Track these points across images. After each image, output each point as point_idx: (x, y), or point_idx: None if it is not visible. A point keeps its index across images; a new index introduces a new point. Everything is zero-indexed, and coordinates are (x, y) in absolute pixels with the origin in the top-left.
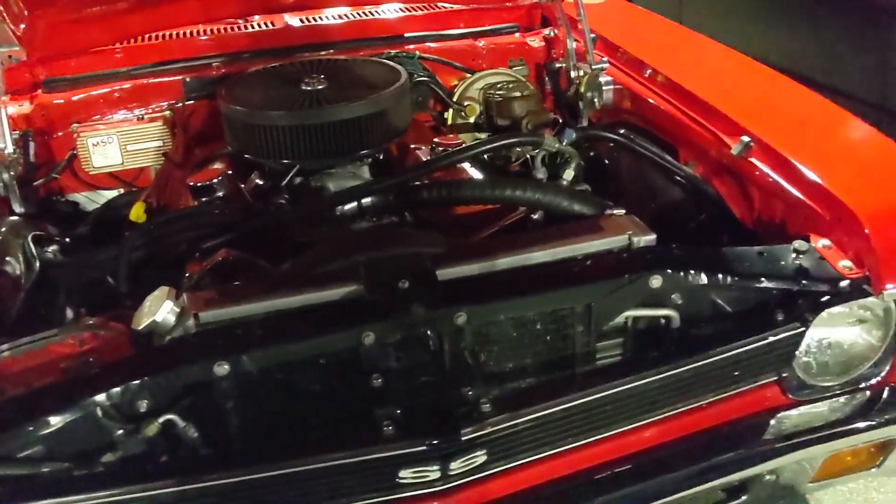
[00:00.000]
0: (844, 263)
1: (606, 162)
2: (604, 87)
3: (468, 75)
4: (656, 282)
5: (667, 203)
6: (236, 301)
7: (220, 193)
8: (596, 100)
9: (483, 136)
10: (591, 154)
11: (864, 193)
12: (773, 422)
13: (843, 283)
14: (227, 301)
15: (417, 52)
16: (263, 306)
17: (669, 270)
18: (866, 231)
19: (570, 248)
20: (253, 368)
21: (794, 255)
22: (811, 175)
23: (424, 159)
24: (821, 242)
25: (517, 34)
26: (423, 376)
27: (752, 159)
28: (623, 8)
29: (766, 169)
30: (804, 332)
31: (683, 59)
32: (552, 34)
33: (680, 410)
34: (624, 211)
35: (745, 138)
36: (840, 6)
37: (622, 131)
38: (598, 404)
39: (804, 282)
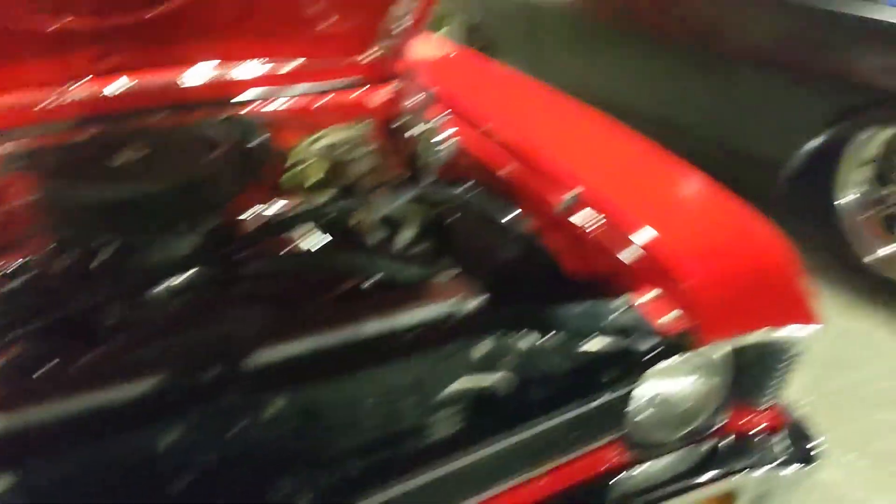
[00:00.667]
0: (668, 317)
1: (445, 220)
2: (444, 144)
3: (310, 135)
4: (485, 347)
5: (502, 261)
6: (18, 405)
7: (25, 277)
8: (436, 156)
9: (324, 197)
10: (433, 212)
11: (689, 245)
12: (615, 483)
13: (667, 338)
14: (9, 404)
15: (255, 113)
16: (50, 410)
17: (498, 334)
18: (688, 285)
19: (398, 318)
20: (37, 481)
21: (618, 311)
22: (636, 228)
23: (254, 226)
24: (647, 296)
25: (364, 89)
26: (236, 473)
27: (580, 214)
28: (469, 60)
29: (592, 224)
30: (631, 390)
31: (522, 112)
32: (400, 88)
33: (519, 480)
34: (457, 272)
35: (572, 193)
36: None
37: (461, 188)
38: (432, 483)
39: (629, 339)
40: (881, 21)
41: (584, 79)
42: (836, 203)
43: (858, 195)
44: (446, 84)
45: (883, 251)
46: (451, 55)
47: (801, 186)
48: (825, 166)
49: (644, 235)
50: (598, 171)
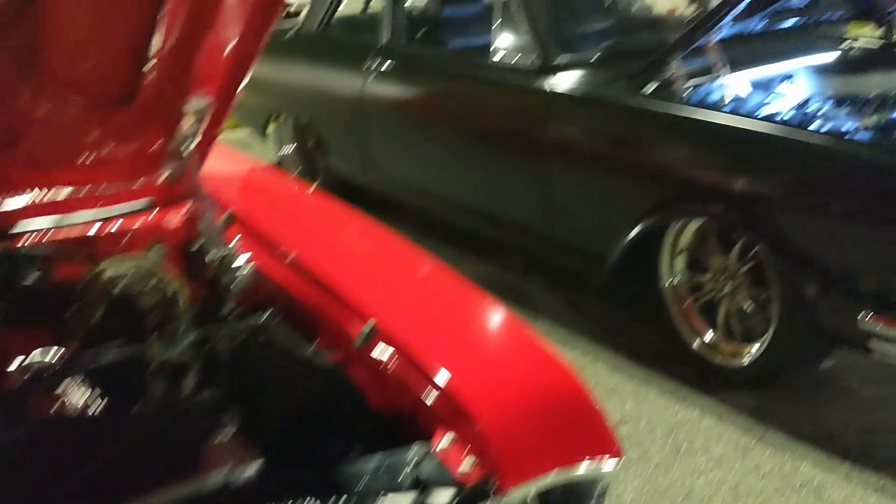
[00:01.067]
0: (466, 464)
1: (240, 358)
2: (240, 271)
3: (93, 267)
4: None
5: (301, 398)
6: None
7: None
8: (233, 283)
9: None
10: (226, 349)
11: (483, 383)
12: None
13: (467, 489)
14: None
15: (32, 245)
16: None
17: None
18: (483, 426)
19: (162, 495)
20: None
21: (415, 461)
22: (431, 366)
23: (15, 380)
24: (446, 439)
25: (154, 212)
26: None
27: (376, 349)
28: (267, 177)
29: (388, 359)
30: None
31: (320, 234)
32: (194, 209)
33: None
34: (242, 426)
35: (368, 326)
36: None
37: (258, 319)
38: None
39: (428, 494)
40: (683, 118)
41: (411, 175)
42: (659, 291)
43: (678, 283)
44: (244, 204)
45: (707, 337)
46: (249, 172)
47: (627, 276)
48: (646, 257)
49: (439, 373)
50: (393, 301)
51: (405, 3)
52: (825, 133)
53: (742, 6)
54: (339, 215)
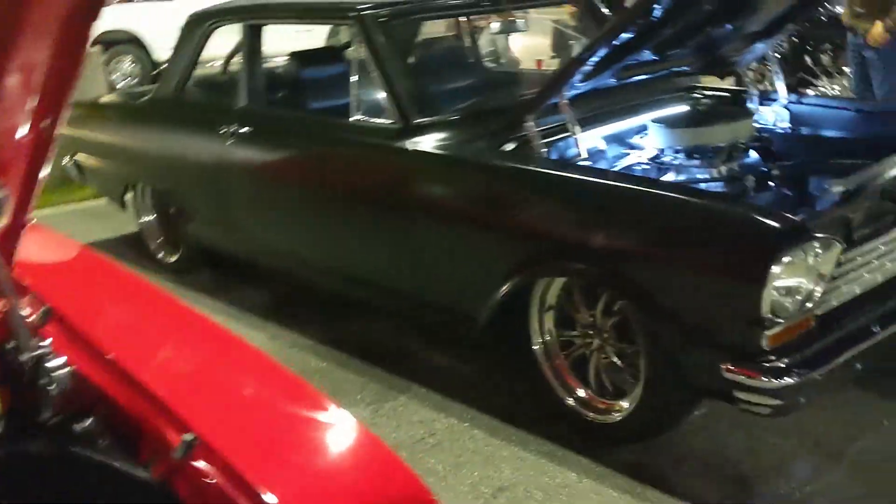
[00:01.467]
0: None
1: (54, 470)
2: (56, 373)
3: None
4: None
5: None
6: None
7: None
8: (50, 388)
9: None
10: (38, 464)
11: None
12: None
13: None
14: None
15: None
16: None
17: None
18: None
19: None
20: None
21: None
22: (258, 483)
23: None
24: None
25: None
26: None
27: (199, 461)
28: (90, 265)
29: (211, 473)
30: None
31: (145, 331)
32: (6, 304)
33: None
34: None
35: (188, 436)
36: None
37: (75, 429)
38: None
39: None
40: (538, 175)
41: (275, 240)
42: (531, 349)
43: (548, 341)
44: (64, 296)
45: (580, 393)
46: (73, 260)
47: (499, 335)
48: (516, 315)
49: (267, 494)
50: (218, 408)
51: (262, 64)
52: (676, 186)
53: (589, 65)
54: (166, 308)
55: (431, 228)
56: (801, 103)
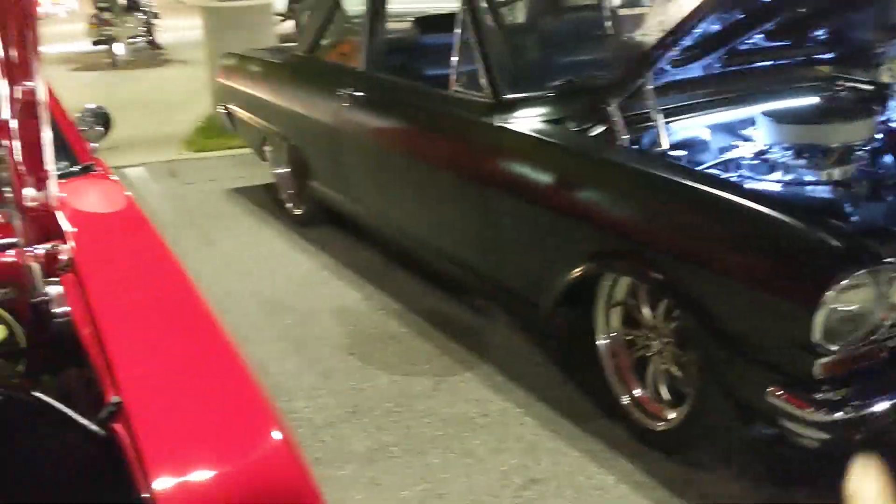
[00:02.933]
0: None
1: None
2: (57, 320)
3: None
4: None
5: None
6: None
7: None
8: (47, 330)
9: None
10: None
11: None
12: None
13: None
14: None
15: None
16: None
17: None
18: None
19: None
20: None
21: None
22: (158, 468)
23: None
24: None
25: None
26: None
27: (118, 426)
28: (128, 222)
29: (125, 439)
30: None
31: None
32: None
33: None
34: None
35: (114, 399)
36: None
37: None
38: None
39: None
40: (615, 166)
41: (376, 203)
42: (596, 344)
43: (613, 337)
44: (90, 248)
45: (636, 394)
46: (116, 213)
47: (565, 326)
48: (583, 307)
49: (160, 482)
50: (154, 377)
51: (384, 28)
52: (745, 191)
53: (683, 49)
54: (160, 275)
55: (507, 207)
56: None
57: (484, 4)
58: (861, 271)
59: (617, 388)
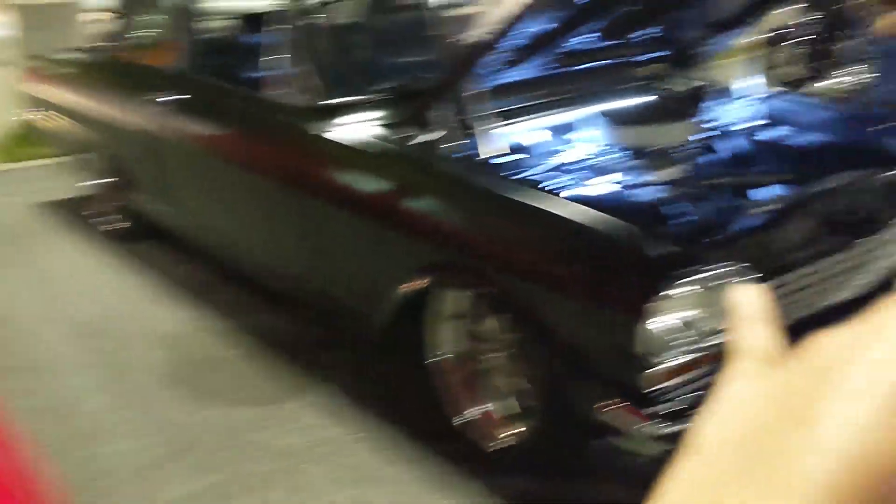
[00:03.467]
0: None
1: None
2: None
3: None
4: None
5: None
6: None
7: None
8: None
9: None
10: None
11: None
12: None
13: None
14: None
15: None
16: None
17: None
18: None
19: None
20: None
21: None
22: None
23: None
24: None
25: None
26: None
27: None
28: None
29: None
30: None
31: None
32: None
33: None
34: None
35: None
36: None
37: None
38: None
39: None
40: (440, 175)
41: (201, 218)
42: (427, 360)
43: (448, 352)
44: None
45: (475, 412)
46: None
47: (400, 342)
48: (416, 321)
49: None
50: None
51: (206, 24)
52: (569, 197)
53: (509, 51)
54: None
55: (330, 220)
56: (782, 99)
57: (301, 3)
58: (685, 279)
59: (454, 406)
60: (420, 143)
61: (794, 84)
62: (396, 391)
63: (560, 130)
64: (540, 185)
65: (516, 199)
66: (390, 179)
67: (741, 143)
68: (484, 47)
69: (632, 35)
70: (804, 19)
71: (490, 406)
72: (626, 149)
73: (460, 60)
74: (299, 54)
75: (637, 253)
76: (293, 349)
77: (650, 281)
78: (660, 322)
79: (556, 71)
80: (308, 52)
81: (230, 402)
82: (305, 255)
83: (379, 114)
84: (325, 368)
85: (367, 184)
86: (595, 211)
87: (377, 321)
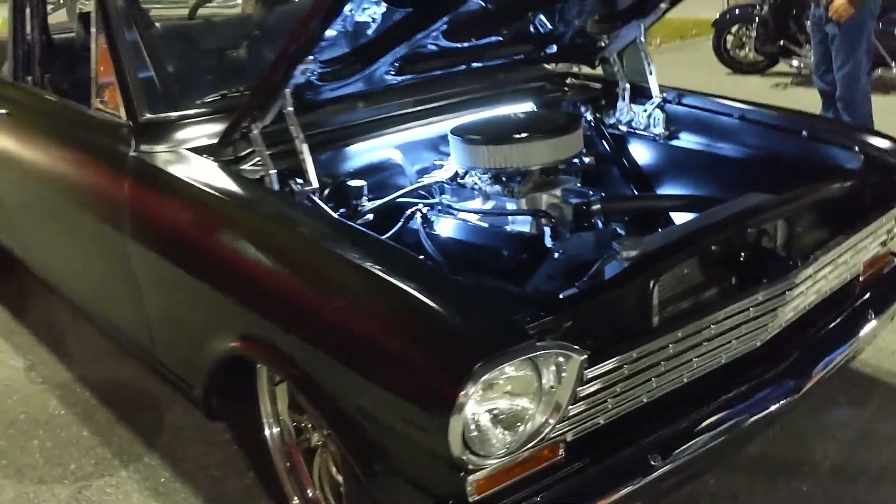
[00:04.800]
0: None
1: None
2: None
3: None
4: None
5: None
6: None
7: None
8: None
9: None
10: None
11: None
12: None
13: None
14: None
15: None
16: None
17: None
18: None
19: None
20: None
21: None
22: None
23: None
24: None
25: None
26: None
27: None
28: None
29: None
30: None
31: None
32: None
33: None
34: None
35: None
36: None
37: None
38: None
39: None
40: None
41: (36, 250)
42: (262, 433)
43: (281, 424)
44: None
45: (308, 493)
46: None
47: (225, 411)
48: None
49: None
50: None
51: (34, 28)
52: (392, 257)
53: (312, 60)
54: None
55: (149, 265)
56: (681, 104)
57: (118, 2)
58: (508, 362)
59: (289, 486)
60: (235, 175)
61: (742, 67)
62: (241, 464)
63: (420, 150)
64: (354, 237)
65: (317, 256)
66: (204, 219)
67: (635, 155)
68: (297, 52)
69: (505, 29)
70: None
71: (312, 493)
72: (491, 171)
73: (272, 68)
74: (114, 59)
75: (449, 327)
76: (137, 404)
77: (464, 364)
78: (477, 416)
79: (403, 79)
80: (124, 55)
81: (38, 479)
82: (128, 303)
83: (212, 132)
84: (169, 429)
85: (181, 224)
86: (410, 267)
87: (199, 387)
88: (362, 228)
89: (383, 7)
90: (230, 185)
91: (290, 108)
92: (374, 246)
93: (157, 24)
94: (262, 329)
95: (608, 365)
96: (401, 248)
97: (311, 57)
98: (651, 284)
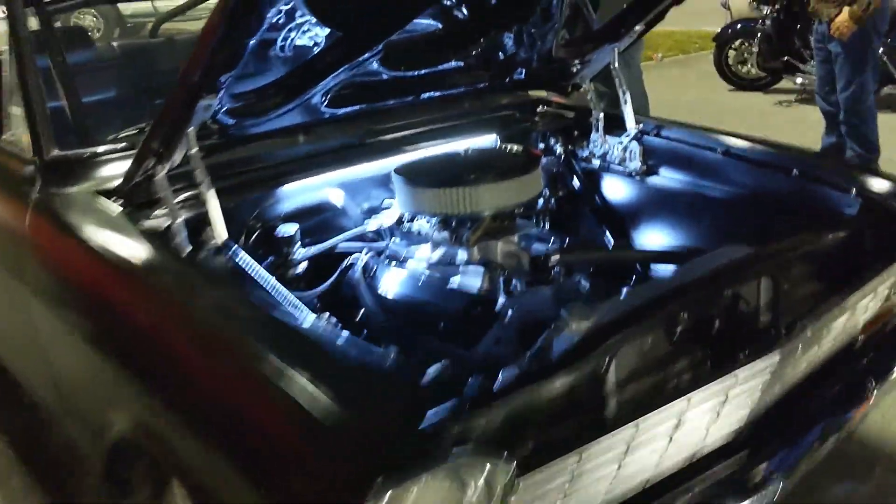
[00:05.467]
0: None
1: None
2: None
3: None
4: None
5: None
6: None
7: None
8: None
9: None
10: None
11: None
12: None
13: None
14: None
15: None
16: None
17: None
18: None
19: None
20: None
21: None
22: None
23: None
24: None
25: None
26: None
27: None
28: None
29: None
30: None
31: None
32: None
33: None
34: None
35: None
36: None
37: None
38: None
39: None
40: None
41: None
42: None
43: None
44: None
45: None
46: None
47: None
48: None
49: None
50: None
51: None
52: (295, 341)
53: (219, 92)
54: None
55: (49, 327)
56: (660, 136)
57: (29, 25)
58: (421, 475)
59: None
60: (133, 228)
61: (745, 83)
62: None
63: (346, 194)
64: (246, 309)
65: (197, 334)
66: (93, 280)
67: (597, 200)
68: (197, 85)
69: (460, 54)
70: (756, 15)
71: None
72: (437, 216)
73: (168, 104)
74: (28, 87)
75: (347, 430)
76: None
77: (365, 477)
78: None
79: (349, 110)
80: (30, 85)
81: None
82: (36, 363)
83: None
84: None
85: (71, 283)
86: (315, 352)
87: (95, 460)
88: (264, 293)
89: (327, 29)
90: (123, 241)
91: (195, 150)
92: (266, 322)
93: (81, 49)
94: (147, 415)
95: (551, 468)
96: (301, 320)
97: (218, 90)
98: (604, 364)
